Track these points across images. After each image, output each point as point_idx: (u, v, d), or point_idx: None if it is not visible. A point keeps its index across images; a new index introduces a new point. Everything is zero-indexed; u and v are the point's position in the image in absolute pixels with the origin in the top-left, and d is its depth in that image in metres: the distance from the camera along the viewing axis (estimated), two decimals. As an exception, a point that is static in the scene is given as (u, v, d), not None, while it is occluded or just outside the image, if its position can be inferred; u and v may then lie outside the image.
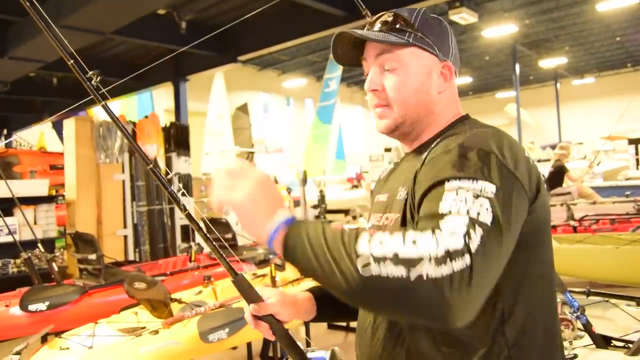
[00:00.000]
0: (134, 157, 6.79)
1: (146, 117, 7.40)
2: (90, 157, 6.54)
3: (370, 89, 1.17)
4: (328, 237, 0.86)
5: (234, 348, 4.07)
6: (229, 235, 5.45)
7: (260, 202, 0.92)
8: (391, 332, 1.08)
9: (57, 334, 3.43)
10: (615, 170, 13.78)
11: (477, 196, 0.87)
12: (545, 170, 9.62)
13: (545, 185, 1.08)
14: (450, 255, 0.77)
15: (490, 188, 0.88)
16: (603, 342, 2.35)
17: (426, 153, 1.07)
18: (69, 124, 6.53)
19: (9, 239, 5.60)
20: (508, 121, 27.24)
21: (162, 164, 7.18)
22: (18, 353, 2.99)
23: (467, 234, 0.80)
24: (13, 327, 4.09)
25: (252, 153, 10.92)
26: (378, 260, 0.79)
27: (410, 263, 0.77)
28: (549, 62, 22.41)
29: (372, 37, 1.13)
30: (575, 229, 5.64)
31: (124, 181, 6.73)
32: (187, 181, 7.46)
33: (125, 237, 6.74)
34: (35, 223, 6.16)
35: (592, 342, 2.35)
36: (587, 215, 6.00)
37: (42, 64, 8.84)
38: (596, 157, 9.82)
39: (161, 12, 8.12)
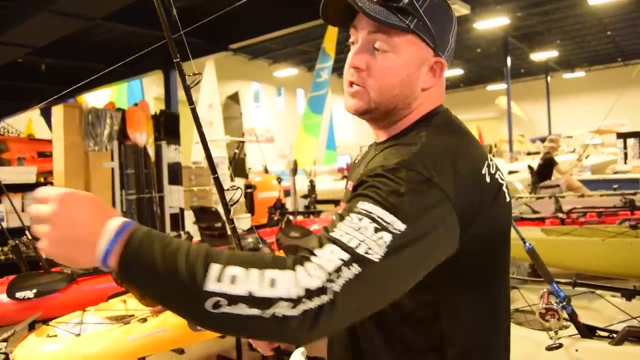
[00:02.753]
0: (123, 144, 6.74)
1: (136, 104, 7.34)
2: (79, 145, 6.48)
3: (353, 65, 1.05)
4: (168, 267, 0.76)
5: (222, 337, 4.07)
6: (219, 224, 5.44)
7: (66, 241, 0.79)
8: (352, 348, 1.08)
9: (45, 321, 3.42)
10: (604, 163, 13.92)
11: (380, 229, 0.82)
12: (534, 162, 9.69)
13: (508, 197, 1.05)
14: (309, 294, 0.75)
15: (399, 226, 0.83)
16: (588, 332, 2.37)
17: (379, 152, 1.07)
18: (57, 111, 6.47)
19: (-4, 226, 5.56)
20: (499, 114, 27.38)
21: (151, 152, 7.14)
22: (5, 340, 2.98)
23: (338, 270, 0.77)
24: (0, 314, 4.06)
25: (243, 142, 10.88)
26: (230, 301, 0.74)
27: (265, 304, 0.74)
28: (540, 55, 22.51)
29: (371, 13, 0.99)
30: (563, 221, 5.69)
31: (113, 169, 6.69)
32: (177, 170, 7.43)
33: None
34: (23, 210, 6.11)
35: (577, 332, 2.38)
36: (575, 208, 6.05)
37: (31, 49, 8.71)
38: (585, 150, 9.91)
39: (152, -2, 8.03)
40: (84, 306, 3.53)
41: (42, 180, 7.72)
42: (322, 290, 0.75)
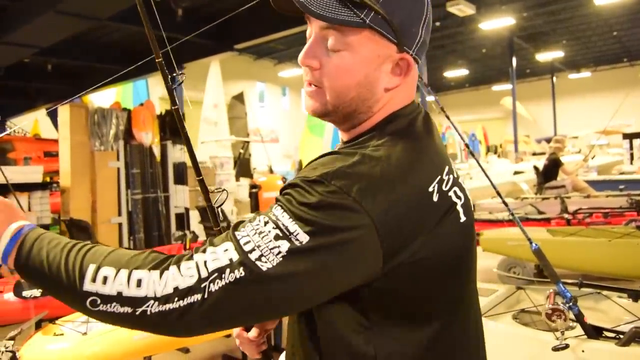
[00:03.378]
0: (129, 144, 6.77)
1: (142, 104, 7.37)
2: (85, 144, 6.51)
3: (304, 64, 0.95)
4: (52, 268, 0.82)
5: (228, 336, 4.08)
6: (224, 224, 5.45)
7: None
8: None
9: (52, 320, 3.44)
10: (610, 164, 13.87)
11: (281, 237, 0.79)
12: (540, 163, 9.66)
13: (463, 216, 0.94)
14: (177, 293, 0.77)
15: (301, 237, 0.79)
16: (594, 332, 2.37)
17: (320, 156, 0.95)
18: (63, 111, 6.50)
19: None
20: (504, 114, 27.32)
21: (157, 151, 7.16)
22: (12, 339, 2.99)
23: (221, 271, 0.78)
24: (7, 312, 4.08)
25: (248, 142, 10.90)
26: (104, 300, 0.79)
27: (135, 303, 0.78)
28: (545, 56, 22.43)
29: (316, 10, 0.87)
30: (568, 222, 5.68)
31: (118, 169, 6.71)
32: (182, 169, 7.45)
33: (120, 224, 6.73)
34: (29, 210, 6.14)
35: (583, 333, 2.37)
36: (580, 209, 6.03)
37: (37, 49, 8.77)
38: (591, 151, 9.87)
39: (157, -1, 8.06)
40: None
41: (48, 179, 7.76)
42: (192, 290, 0.77)
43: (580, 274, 4.36)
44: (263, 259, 0.78)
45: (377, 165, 0.86)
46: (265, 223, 0.81)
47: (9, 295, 4.05)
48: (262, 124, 19.05)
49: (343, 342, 0.91)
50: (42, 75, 12.27)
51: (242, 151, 10.40)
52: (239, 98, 12.78)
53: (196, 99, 12.79)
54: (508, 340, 2.52)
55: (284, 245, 0.79)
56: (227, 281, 0.77)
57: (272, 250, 0.79)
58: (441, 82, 27.69)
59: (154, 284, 0.78)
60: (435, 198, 0.88)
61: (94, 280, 0.79)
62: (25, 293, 4.02)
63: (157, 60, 1.35)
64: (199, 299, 0.77)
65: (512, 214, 2.47)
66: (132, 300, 0.78)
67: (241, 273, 0.77)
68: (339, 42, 0.90)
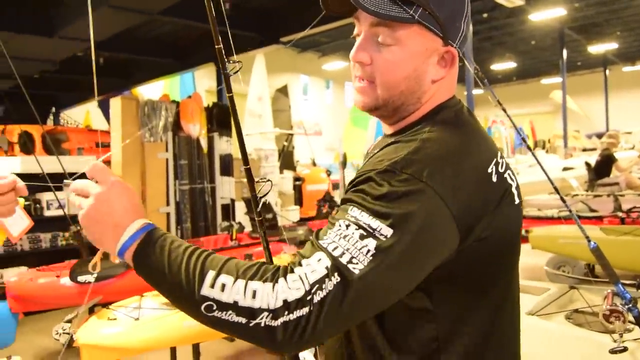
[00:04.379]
0: (177, 136, 6.91)
1: (189, 97, 7.50)
2: (136, 135, 6.67)
3: (356, 59, 1.00)
4: (172, 268, 0.84)
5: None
6: (269, 216, 5.51)
7: (100, 220, 0.89)
8: (346, 346, 1.07)
9: (104, 304, 3.56)
10: (666, 161, 13.27)
11: (366, 236, 0.82)
12: (592, 159, 9.35)
13: (517, 199, 0.99)
14: (288, 306, 0.78)
15: (385, 232, 0.81)
16: (654, 336, 2.28)
17: (380, 149, 1.01)
18: (115, 103, 6.67)
19: (59, 212, 5.81)
20: (553, 108, 26.54)
21: (204, 143, 7.29)
22: (69, 321, 3.13)
23: (320, 282, 0.79)
24: (63, 296, 4.26)
25: (291, 135, 10.95)
26: (221, 307, 0.80)
27: (249, 314, 0.79)
28: (598, 48, 21.66)
29: (370, 7, 0.92)
30: (622, 221, 5.48)
31: (167, 159, 6.86)
32: (228, 161, 7.55)
33: (168, 214, 6.89)
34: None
35: (642, 336, 2.29)
36: (635, 207, 5.80)
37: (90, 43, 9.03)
38: (646, 147, 9.46)
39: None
40: (141, 292, 3.65)
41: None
42: (300, 302, 0.78)
43: (635, 274, 4.21)
44: (354, 260, 0.80)
45: (439, 148, 0.91)
46: (347, 226, 0.84)
47: (65, 280, 4.22)
48: (305, 117, 19.12)
49: (406, 325, 0.96)
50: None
51: (285, 144, 10.46)
52: (283, 91, 12.85)
53: (241, 92, 12.94)
54: (561, 341, 2.46)
55: (372, 243, 0.81)
56: (328, 290, 0.78)
57: (360, 251, 0.80)
58: (488, 75, 26.92)
59: (268, 296, 0.79)
60: (494, 179, 0.93)
61: (212, 286, 0.81)
62: (80, 278, 4.18)
63: (216, 47, 1.36)
64: (306, 312, 0.78)
65: (570, 211, 2.40)
66: (247, 310, 0.79)
67: (337, 279, 0.79)
68: (389, 37, 0.95)
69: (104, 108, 14.31)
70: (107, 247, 0.90)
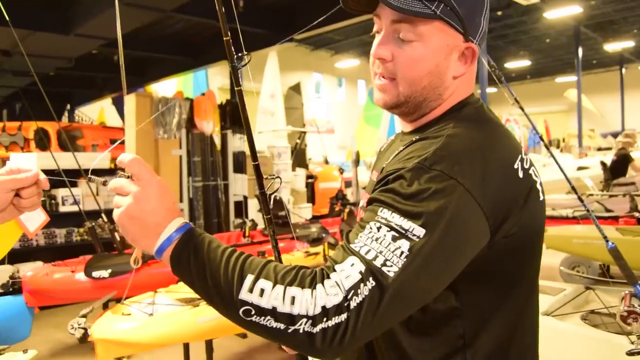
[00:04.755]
0: (191, 133, 6.94)
1: (203, 94, 7.53)
2: (149, 132, 6.72)
3: (378, 56, 1.00)
4: (212, 269, 0.83)
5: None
6: (282, 213, 5.51)
7: (138, 219, 0.86)
8: (368, 345, 1.06)
9: (118, 300, 3.59)
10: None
11: (398, 237, 0.81)
12: (607, 158, 9.25)
13: (542, 195, 0.99)
14: (326, 312, 0.78)
15: (418, 232, 0.81)
16: (671, 337, 2.25)
17: (405, 146, 0.99)
18: (129, 100, 6.72)
19: (74, 208, 5.86)
20: (567, 107, 26.30)
21: (217, 140, 7.31)
22: (84, 316, 3.15)
23: (355, 287, 0.78)
24: (78, 291, 4.30)
25: (304, 133, 10.95)
26: (259, 312, 0.80)
27: (288, 320, 0.78)
28: (614, 46, 21.39)
29: (393, 2, 0.92)
30: (639, 221, 5.41)
31: (180, 157, 6.90)
32: (241, 158, 7.58)
33: (181, 211, 6.92)
34: (97, 194, 6.41)
35: (660, 337, 2.26)
36: (652, 207, 5.73)
37: (105, 41, 9.10)
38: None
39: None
40: (155, 287, 3.67)
41: (112, 166, 8.08)
42: (338, 309, 0.77)
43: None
44: (388, 263, 0.80)
45: (467, 144, 0.91)
46: (379, 228, 0.83)
47: (80, 275, 4.26)
48: (318, 115, 19.13)
49: (431, 323, 0.95)
50: (108, 66, 12.75)
51: (298, 141, 10.46)
52: (296, 89, 12.85)
53: (254, 89, 12.93)
54: (577, 341, 2.43)
55: (405, 245, 0.80)
56: (364, 295, 0.78)
57: (394, 253, 0.80)
58: (502, 73, 26.87)
59: (307, 302, 0.78)
60: (520, 175, 0.93)
61: (251, 290, 0.81)
62: (95, 274, 4.22)
63: (225, 39, 1.33)
64: (344, 318, 0.77)
65: (588, 211, 2.37)
66: (286, 316, 0.78)
67: (372, 283, 0.78)
68: (411, 33, 0.96)
69: (118, 105, 14.46)
70: (144, 247, 0.89)
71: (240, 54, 1.31)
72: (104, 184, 0.94)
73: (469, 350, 0.94)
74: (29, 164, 1.00)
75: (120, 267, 4.28)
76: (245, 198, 7.54)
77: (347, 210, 5.80)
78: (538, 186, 0.98)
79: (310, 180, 9.72)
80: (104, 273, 4.23)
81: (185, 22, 10.28)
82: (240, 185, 7.47)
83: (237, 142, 7.53)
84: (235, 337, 4.10)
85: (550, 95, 28.00)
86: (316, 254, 4.40)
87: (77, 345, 3.04)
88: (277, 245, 1.37)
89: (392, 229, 0.82)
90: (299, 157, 10.55)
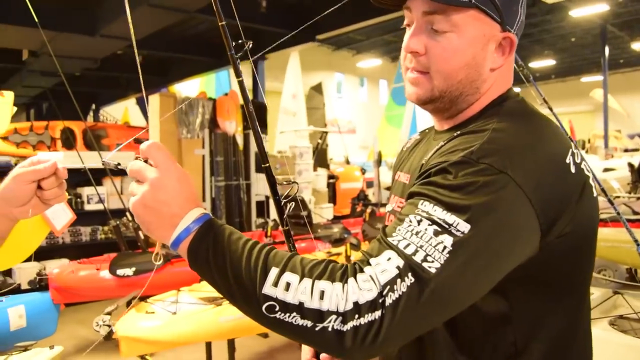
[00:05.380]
0: (214, 133, 6.99)
1: (226, 94, 7.57)
2: (173, 132, 6.78)
3: (410, 49, 0.94)
4: (232, 262, 0.77)
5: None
6: (304, 213, 5.52)
7: (155, 209, 0.80)
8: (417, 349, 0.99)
9: (142, 298, 3.63)
10: None
11: (441, 232, 0.75)
12: (635, 160, 9.05)
13: (595, 191, 0.92)
14: (358, 309, 0.71)
15: (462, 227, 0.75)
16: None
17: (446, 141, 0.93)
18: (153, 100, 6.80)
19: (99, 207, 5.95)
20: (593, 107, 25.83)
21: (239, 140, 7.35)
22: (109, 314, 3.19)
23: (392, 282, 0.72)
24: (103, 289, 4.37)
25: (326, 133, 10.95)
26: (284, 308, 0.73)
27: (316, 317, 0.72)
28: (642, 45, 20.92)
29: None
30: (668, 224, 5.28)
31: (203, 156, 6.95)
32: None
33: (204, 210, 6.98)
34: (121, 193, 6.49)
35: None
36: (682, 210, 5.60)
37: (130, 41, 9.21)
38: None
39: (242, -11, 8.23)
40: (178, 286, 3.71)
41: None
42: (372, 305, 0.71)
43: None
44: (429, 258, 0.73)
45: (516, 137, 0.85)
46: (419, 222, 0.77)
47: (105, 273, 4.32)
48: (339, 115, 19.12)
49: (480, 330, 0.90)
50: (133, 66, 12.89)
51: (320, 141, 10.47)
52: (318, 89, 12.86)
53: (275, 89, 13.02)
54: (606, 347, 2.38)
55: (447, 240, 0.74)
56: (401, 292, 0.72)
57: (436, 248, 0.74)
58: (529, 72, 26.51)
59: (337, 297, 0.72)
60: (572, 169, 0.86)
61: (275, 284, 0.74)
62: (119, 271, 4.28)
63: (220, 24, 1.18)
64: (378, 316, 0.71)
65: (619, 214, 2.32)
66: (314, 313, 0.72)
67: (411, 279, 0.72)
68: (445, 23, 0.90)
69: (142, 105, 14.63)
70: (160, 237, 0.82)
71: (240, 41, 1.19)
72: (117, 166, 0.89)
73: (522, 358, 0.88)
74: (56, 159, 0.99)
75: (144, 266, 4.33)
76: (267, 198, 7.56)
77: (368, 210, 5.78)
78: (591, 182, 0.91)
79: (331, 181, 9.72)
80: (128, 271, 4.29)
81: (209, 23, 10.36)
82: (262, 185, 7.50)
83: (259, 142, 7.56)
84: (257, 336, 4.11)
85: (575, 95, 27.53)
86: (338, 254, 4.39)
87: (102, 342, 3.07)
88: (294, 246, 1.29)
89: (434, 222, 0.76)
90: (321, 157, 10.55)
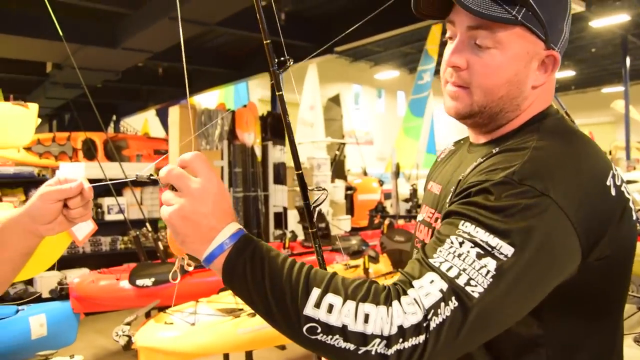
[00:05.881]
0: (232, 144, 7.04)
1: (245, 106, 7.63)
2: (192, 144, 6.83)
3: (452, 64, 0.94)
4: (272, 281, 0.75)
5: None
6: (322, 225, 5.51)
7: (192, 221, 0.77)
8: None
9: (161, 309, 3.65)
10: None
11: (484, 255, 0.74)
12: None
13: (634, 214, 0.90)
14: (403, 333, 0.70)
15: (506, 250, 0.74)
16: None
17: (485, 158, 0.92)
18: (173, 111, 6.86)
19: (119, 217, 6.01)
20: (614, 118, 25.50)
21: (258, 152, 7.39)
22: (128, 324, 3.21)
23: (436, 306, 0.71)
24: (122, 299, 4.40)
25: (343, 144, 10.96)
26: (326, 330, 0.72)
27: (360, 340, 0.71)
28: (665, 55, 20.63)
29: (472, 7, 0.86)
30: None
31: (222, 167, 6.99)
32: (281, 170, 7.63)
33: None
34: (141, 204, 6.56)
35: None
36: None
37: (151, 54, 9.36)
38: None
39: (262, 3, 8.30)
40: (197, 297, 3.72)
41: (156, 175, 8.25)
42: (416, 329, 0.71)
43: None
44: (472, 282, 0.73)
45: (557, 158, 0.84)
46: (461, 244, 0.77)
47: (125, 283, 4.35)
48: (357, 126, 19.13)
49: (513, 352, 0.89)
50: (153, 78, 13.09)
51: (337, 153, 10.48)
52: (335, 100, 12.90)
53: (293, 101, 13.06)
54: (631, 364, 2.33)
55: (491, 263, 0.74)
56: (445, 316, 0.71)
57: (479, 272, 0.74)
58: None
59: (382, 321, 0.71)
60: (613, 192, 0.85)
61: (318, 305, 0.73)
62: (139, 282, 4.31)
63: (265, 42, 1.30)
64: (422, 340, 0.70)
65: (644, 228, 2.27)
66: (358, 336, 0.71)
67: (455, 304, 0.72)
68: (489, 39, 0.90)
69: (162, 116, 14.81)
70: (193, 251, 0.80)
71: (282, 58, 1.29)
72: (149, 178, 0.90)
73: None
74: (77, 173, 1.00)
75: (163, 276, 4.36)
76: (285, 209, 7.58)
77: (387, 222, 5.75)
78: (631, 204, 0.90)
79: (349, 192, 9.69)
80: (148, 282, 4.32)
81: (228, 36, 10.48)
82: (280, 197, 7.52)
83: (277, 154, 7.60)
84: (275, 348, 4.10)
85: (595, 107, 27.21)
86: (356, 266, 4.37)
87: (121, 351, 3.10)
88: (323, 260, 1.34)
89: (476, 245, 0.75)
90: (338, 169, 10.55)
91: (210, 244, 0.78)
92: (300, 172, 1.31)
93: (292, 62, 1.30)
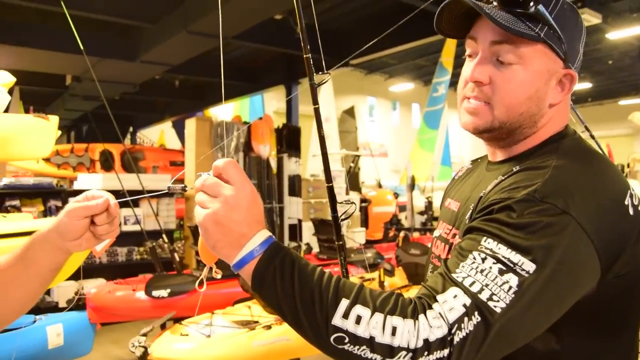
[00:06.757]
0: (248, 156, 7.08)
1: (260, 118, 7.69)
2: (208, 156, 6.89)
3: (474, 79, 0.96)
4: (302, 290, 0.77)
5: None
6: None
7: (226, 226, 0.78)
8: None
9: (176, 320, 3.66)
10: None
11: (506, 271, 0.76)
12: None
13: None
14: (429, 346, 0.72)
15: (527, 267, 0.76)
16: None
17: (506, 176, 0.94)
18: (190, 124, 6.94)
19: (135, 228, 6.06)
20: (632, 131, 25.24)
21: (273, 164, 7.42)
22: (145, 335, 3.23)
23: (459, 321, 0.73)
24: (138, 309, 4.42)
25: (358, 156, 10.97)
26: (354, 341, 0.74)
27: (386, 352, 0.73)
28: (683, 67, 20.38)
29: (499, 20, 0.89)
30: None
31: (237, 179, 7.03)
32: (296, 182, 7.65)
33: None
34: (157, 215, 6.60)
35: None
36: None
37: (168, 67, 9.47)
38: None
39: (277, 17, 8.40)
40: (212, 309, 3.73)
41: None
42: (441, 343, 0.73)
43: None
44: (494, 297, 0.75)
45: (578, 177, 0.87)
46: (483, 259, 0.78)
47: (141, 294, 4.37)
48: (371, 138, 19.13)
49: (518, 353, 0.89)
50: (170, 91, 13.25)
51: (352, 165, 10.48)
52: (350, 112, 12.92)
53: (308, 113, 13.13)
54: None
55: (513, 280, 0.76)
56: (468, 331, 0.73)
57: (501, 287, 0.75)
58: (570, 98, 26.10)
59: (409, 334, 0.73)
60: (631, 212, 0.87)
61: (346, 316, 0.75)
62: (154, 293, 4.32)
63: (305, 56, 1.36)
64: (446, 354, 0.72)
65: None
66: (385, 348, 0.73)
67: (477, 319, 0.74)
68: (512, 55, 0.93)
69: (178, 128, 14.97)
70: (223, 256, 0.81)
71: (320, 72, 1.34)
72: (183, 189, 0.91)
73: None
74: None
75: (179, 287, 4.38)
76: (300, 221, 7.58)
77: (402, 235, 5.72)
78: None
79: (363, 204, 9.68)
80: (163, 293, 4.33)
81: (244, 49, 10.58)
82: (295, 209, 7.53)
83: (292, 166, 7.62)
84: (289, 361, 4.09)
85: (613, 119, 26.94)
86: (371, 279, 4.35)
87: (137, 362, 3.10)
88: (347, 272, 1.36)
89: (498, 261, 0.77)
90: (353, 181, 10.55)
91: (240, 250, 0.79)
92: (331, 184, 1.36)
93: (330, 77, 1.34)
